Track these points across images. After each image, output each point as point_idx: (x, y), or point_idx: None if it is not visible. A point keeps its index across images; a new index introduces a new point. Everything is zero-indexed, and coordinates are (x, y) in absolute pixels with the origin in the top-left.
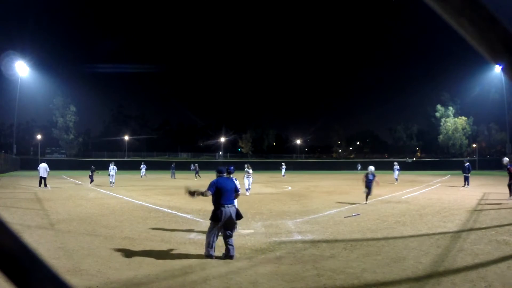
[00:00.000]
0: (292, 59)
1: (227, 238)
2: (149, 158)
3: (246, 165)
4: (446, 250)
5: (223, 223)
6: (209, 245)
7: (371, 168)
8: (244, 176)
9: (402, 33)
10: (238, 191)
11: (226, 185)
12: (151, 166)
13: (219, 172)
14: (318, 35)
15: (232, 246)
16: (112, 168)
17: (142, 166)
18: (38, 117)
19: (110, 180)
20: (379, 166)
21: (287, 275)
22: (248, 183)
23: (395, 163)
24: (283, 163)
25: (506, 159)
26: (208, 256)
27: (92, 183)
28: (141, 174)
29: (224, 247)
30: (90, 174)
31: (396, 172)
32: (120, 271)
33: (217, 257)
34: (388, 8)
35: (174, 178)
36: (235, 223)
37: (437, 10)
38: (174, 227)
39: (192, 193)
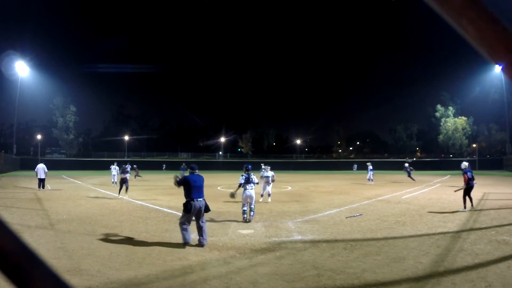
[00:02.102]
0: (292, 59)
1: (199, 229)
2: (149, 158)
3: (262, 165)
4: (446, 250)
5: (193, 214)
6: (184, 230)
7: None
8: (261, 179)
9: (402, 33)
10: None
11: (195, 182)
12: (152, 166)
13: (192, 169)
14: (318, 35)
15: (203, 237)
16: (114, 168)
17: (127, 166)
18: (38, 117)
19: (112, 180)
20: (379, 166)
21: (287, 275)
22: (268, 187)
23: (368, 163)
24: (262, 164)
25: (464, 163)
26: (185, 243)
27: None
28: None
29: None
30: (126, 175)
31: (370, 173)
32: (120, 271)
33: (190, 245)
34: (388, 8)
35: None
36: (203, 214)
37: (437, 10)
38: (174, 227)
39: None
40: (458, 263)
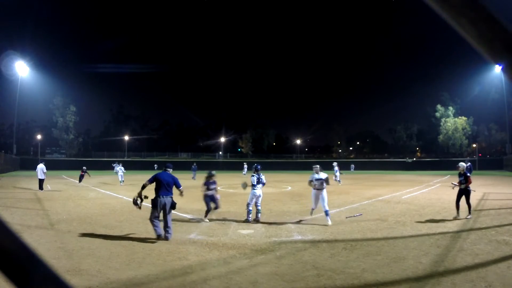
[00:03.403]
0: (292, 59)
1: (165, 224)
2: (149, 158)
3: (314, 166)
4: (446, 250)
5: (160, 209)
6: (155, 225)
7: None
8: (312, 185)
9: (402, 33)
10: (180, 186)
11: (164, 179)
12: (149, 167)
13: (166, 167)
14: (318, 35)
15: (169, 232)
16: (120, 168)
17: (114, 164)
18: (38, 117)
19: (120, 179)
20: (379, 166)
21: (287, 275)
22: (323, 199)
23: (334, 163)
24: (244, 163)
25: (463, 164)
26: (159, 236)
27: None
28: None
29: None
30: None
31: (337, 174)
32: (120, 271)
33: (159, 236)
34: (388, 8)
35: (195, 179)
36: (170, 211)
37: (437, 10)
38: (174, 227)
39: (136, 202)
40: (458, 263)
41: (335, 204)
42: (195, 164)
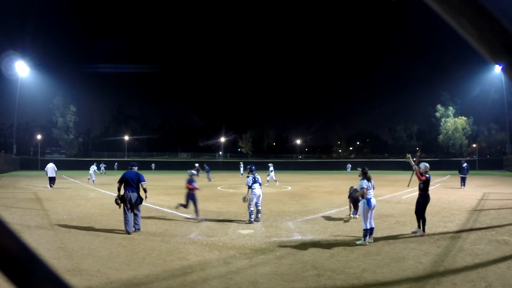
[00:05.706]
0: (292, 59)
1: (135, 217)
2: (149, 158)
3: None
4: (446, 250)
5: (128, 203)
6: (126, 223)
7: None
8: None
9: (402, 33)
10: (143, 181)
11: (129, 177)
12: (145, 166)
13: (131, 165)
14: (318, 35)
15: (138, 224)
16: (92, 167)
17: (101, 165)
18: (38, 117)
19: (91, 178)
20: (379, 166)
21: (287, 275)
22: (364, 210)
23: (269, 164)
24: (241, 162)
25: (425, 164)
26: (127, 232)
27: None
28: (102, 171)
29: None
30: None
31: (271, 174)
32: (120, 271)
33: (128, 233)
34: (388, 8)
35: (210, 180)
36: (138, 205)
37: (437, 10)
38: (174, 227)
39: (118, 201)
40: (458, 263)
41: (335, 204)
42: (207, 167)
